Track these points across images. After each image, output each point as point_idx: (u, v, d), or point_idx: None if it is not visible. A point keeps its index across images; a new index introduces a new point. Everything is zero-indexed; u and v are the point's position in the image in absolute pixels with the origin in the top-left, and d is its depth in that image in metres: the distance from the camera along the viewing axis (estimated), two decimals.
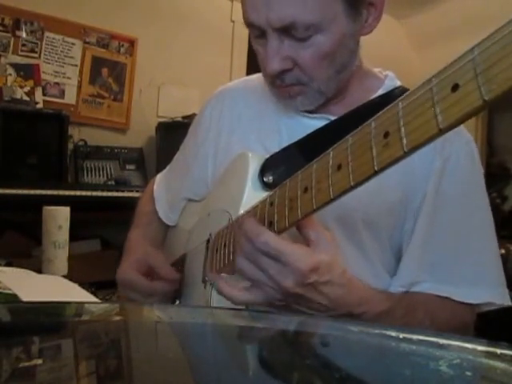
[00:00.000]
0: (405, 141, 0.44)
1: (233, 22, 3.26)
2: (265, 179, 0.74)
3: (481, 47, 0.38)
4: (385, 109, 0.47)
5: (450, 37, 3.20)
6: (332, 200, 0.53)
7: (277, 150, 0.78)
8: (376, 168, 0.47)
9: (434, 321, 0.72)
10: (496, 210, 3.05)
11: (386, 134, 0.46)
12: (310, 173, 0.56)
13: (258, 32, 0.74)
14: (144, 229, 1.04)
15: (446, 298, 0.75)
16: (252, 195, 0.73)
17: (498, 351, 0.42)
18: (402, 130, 0.44)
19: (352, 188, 0.50)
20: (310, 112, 0.82)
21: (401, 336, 0.48)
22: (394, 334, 0.49)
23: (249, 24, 0.74)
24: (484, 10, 2.88)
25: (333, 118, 0.80)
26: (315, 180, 0.55)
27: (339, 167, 0.52)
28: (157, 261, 0.88)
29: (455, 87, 0.40)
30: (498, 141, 3.57)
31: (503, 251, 2.40)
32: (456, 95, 0.40)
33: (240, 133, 0.89)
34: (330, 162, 0.53)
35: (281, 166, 0.74)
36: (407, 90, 0.80)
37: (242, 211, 0.71)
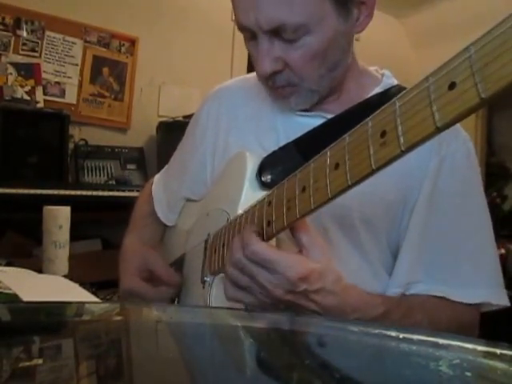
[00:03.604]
0: (402, 139, 0.44)
1: (233, 20, 3.25)
2: (263, 178, 0.74)
3: (477, 45, 0.38)
4: (382, 107, 0.47)
5: (449, 36, 3.19)
6: (330, 199, 0.53)
7: (275, 149, 0.78)
8: (373, 166, 0.47)
9: (432, 322, 0.71)
10: (496, 209, 3.05)
11: (383, 133, 0.46)
12: (307, 172, 0.56)
13: (249, 34, 0.75)
14: (139, 232, 1.04)
15: (443, 298, 0.75)
16: (250, 195, 0.73)
17: (498, 351, 0.42)
18: (399, 128, 0.44)
19: (350, 187, 0.50)
20: (306, 110, 0.82)
21: (401, 336, 0.48)
22: (393, 334, 0.49)
23: (240, 27, 0.75)
24: (483, 9, 2.88)
25: (329, 115, 0.80)
26: (313, 179, 0.55)
27: (336, 166, 0.51)
28: (157, 265, 0.89)
29: (452, 85, 0.40)
30: (498, 140, 3.57)
31: (503, 251, 2.39)
32: (453, 93, 0.40)
33: (237, 132, 0.89)
34: (328, 161, 0.53)
35: (279, 165, 0.74)
36: (404, 88, 0.80)
37: (240, 211, 0.71)
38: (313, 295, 0.60)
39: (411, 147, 0.44)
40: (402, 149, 0.44)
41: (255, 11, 0.70)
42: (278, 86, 0.77)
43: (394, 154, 0.45)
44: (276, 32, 0.71)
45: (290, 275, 0.57)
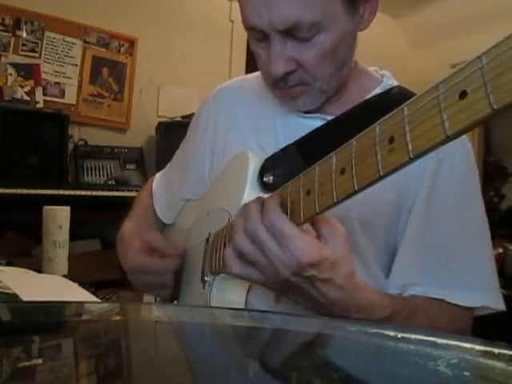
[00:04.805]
0: (410, 146, 0.43)
1: (232, 21, 3.26)
2: (264, 179, 0.74)
3: (489, 55, 0.37)
4: (390, 113, 0.47)
5: (445, 36, 3.20)
6: (335, 203, 0.52)
7: (273, 149, 0.78)
8: (381, 173, 0.46)
9: (433, 325, 0.71)
10: (494, 208, 3.05)
11: (391, 139, 0.45)
12: (312, 176, 0.56)
13: (259, 35, 0.73)
14: (139, 220, 1.03)
15: (442, 300, 0.74)
16: (252, 195, 0.73)
17: (496, 351, 0.42)
18: (408, 135, 0.44)
19: (356, 192, 0.50)
20: (307, 112, 0.81)
21: (399, 336, 0.48)
22: (392, 333, 0.49)
23: (250, 28, 0.73)
24: (480, 9, 2.88)
25: (329, 117, 0.80)
26: (318, 183, 0.55)
27: (343, 171, 0.51)
28: (158, 242, 0.88)
29: (463, 94, 0.39)
30: (496, 140, 3.57)
31: (501, 250, 2.39)
32: (464, 102, 0.39)
33: (236, 132, 0.89)
34: (334, 166, 0.53)
35: (280, 167, 0.74)
36: (404, 89, 0.81)
37: None
38: (319, 284, 0.58)
39: (420, 154, 0.43)
40: (411, 156, 0.44)
41: (269, 11, 0.68)
42: (290, 86, 0.76)
43: (403, 161, 0.44)
44: (289, 32, 0.70)
45: (300, 257, 0.56)
